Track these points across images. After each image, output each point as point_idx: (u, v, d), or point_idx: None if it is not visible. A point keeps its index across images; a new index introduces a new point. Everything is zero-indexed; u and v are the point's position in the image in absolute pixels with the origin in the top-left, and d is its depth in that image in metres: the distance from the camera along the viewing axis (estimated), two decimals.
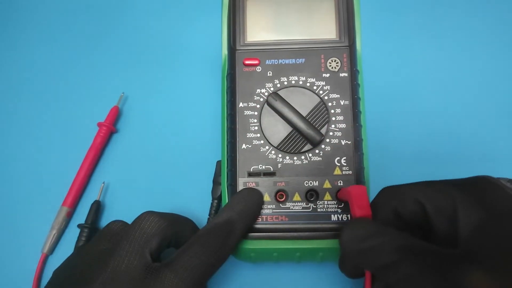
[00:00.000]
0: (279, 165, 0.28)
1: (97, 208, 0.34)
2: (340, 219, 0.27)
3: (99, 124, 0.37)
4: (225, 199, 0.29)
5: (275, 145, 0.28)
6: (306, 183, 0.28)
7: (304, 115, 0.28)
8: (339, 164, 0.28)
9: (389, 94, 0.37)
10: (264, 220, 0.28)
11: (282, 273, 0.32)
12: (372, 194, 0.27)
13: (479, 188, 0.22)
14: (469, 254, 0.20)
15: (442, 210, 0.23)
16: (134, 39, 0.42)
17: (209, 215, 0.33)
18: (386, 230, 0.22)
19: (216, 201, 0.33)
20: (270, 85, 0.29)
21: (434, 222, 0.23)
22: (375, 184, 0.28)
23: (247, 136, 0.29)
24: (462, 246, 0.21)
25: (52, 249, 0.34)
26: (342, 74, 0.29)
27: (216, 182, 0.33)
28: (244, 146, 0.29)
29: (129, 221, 0.26)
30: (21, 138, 0.39)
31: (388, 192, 0.25)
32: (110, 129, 0.37)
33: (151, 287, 0.22)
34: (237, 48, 0.30)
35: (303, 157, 0.28)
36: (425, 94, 0.38)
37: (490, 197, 0.22)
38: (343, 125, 0.29)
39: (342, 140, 0.28)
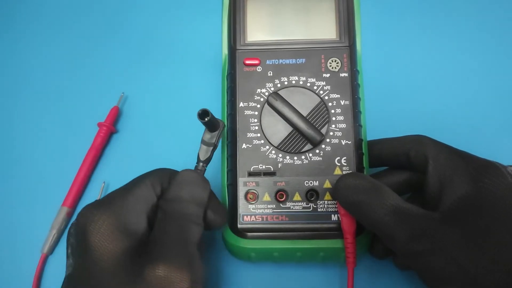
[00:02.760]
0: (279, 165, 0.28)
1: None
2: (340, 219, 0.27)
3: (99, 124, 0.37)
4: (225, 198, 0.29)
5: (276, 145, 0.28)
6: (306, 183, 0.28)
7: (305, 115, 0.28)
8: (339, 164, 0.28)
9: (389, 94, 0.37)
10: (264, 219, 0.28)
11: (282, 273, 0.32)
12: None
13: (484, 168, 0.23)
14: (445, 218, 0.22)
15: (440, 174, 0.24)
16: (134, 39, 0.42)
17: None
18: (377, 188, 0.24)
19: (202, 164, 0.27)
20: (271, 85, 0.29)
21: (429, 179, 0.25)
22: None
23: (247, 136, 0.29)
24: (440, 210, 0.23)
25: (52, 249, 0.34)
26: (342, 74, 0.29)
27: (205, 142, 0.27)
28: (244, 145, 0.29)
29: None
30: (21, 138, 0.38)
31: (416, 135, 0.27)
32: (110, 129, 0.37)
33: None
34: (238, 48, 0.30)
35: (303, 157, 0.28)
36: (425, 94, 0.38)
37: (488, 178, 0.23)
38: (343, 125, 0.29)
39: (342, 140, 0.28)
